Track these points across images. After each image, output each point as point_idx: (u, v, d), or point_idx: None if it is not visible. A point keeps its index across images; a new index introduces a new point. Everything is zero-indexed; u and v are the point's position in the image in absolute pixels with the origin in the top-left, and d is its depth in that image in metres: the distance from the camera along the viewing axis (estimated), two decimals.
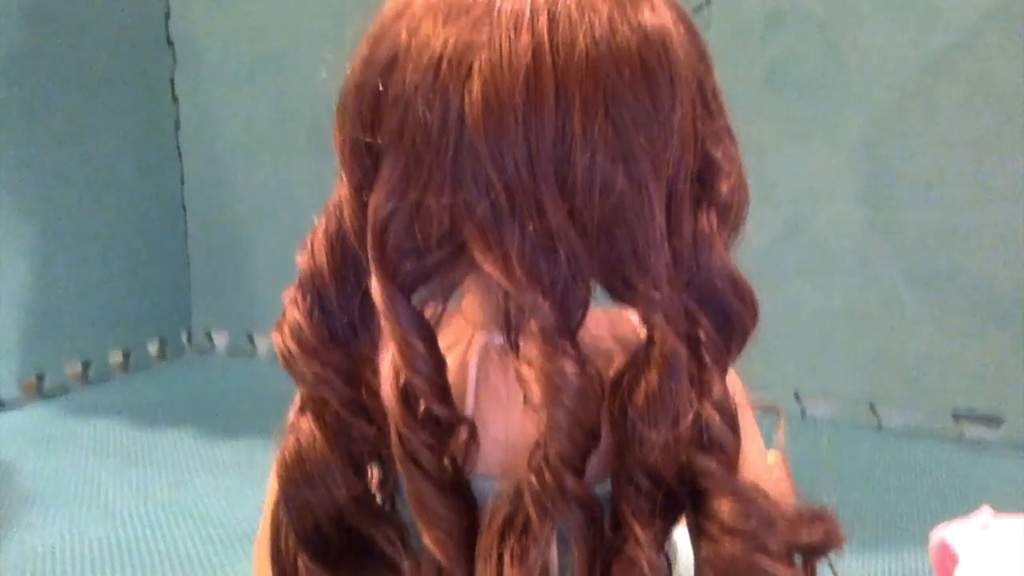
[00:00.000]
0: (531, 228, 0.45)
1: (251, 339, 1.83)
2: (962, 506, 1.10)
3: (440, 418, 0.50)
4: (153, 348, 1.83)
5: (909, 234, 1.39)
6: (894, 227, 1.39)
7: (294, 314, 0.53)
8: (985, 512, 0.89)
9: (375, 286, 0.49)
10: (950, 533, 0.87)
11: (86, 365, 1.70)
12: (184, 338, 1.89)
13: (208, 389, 1.62)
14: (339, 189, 0.51)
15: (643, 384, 0.50)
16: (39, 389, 1.60)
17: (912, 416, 1.42)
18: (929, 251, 1.38)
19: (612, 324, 0.55)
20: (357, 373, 0.52)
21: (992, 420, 1.38)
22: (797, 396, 1.47)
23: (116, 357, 1.76)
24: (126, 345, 1.77)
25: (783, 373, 1.39)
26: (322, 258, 0.52)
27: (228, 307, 1.84)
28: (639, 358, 0.51)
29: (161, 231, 1.83)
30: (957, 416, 1.40)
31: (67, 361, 1.66)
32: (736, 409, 0.53)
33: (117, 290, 1.73)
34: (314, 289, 0.52)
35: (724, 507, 0.52)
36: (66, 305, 1.65)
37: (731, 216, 0.51)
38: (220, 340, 1.89)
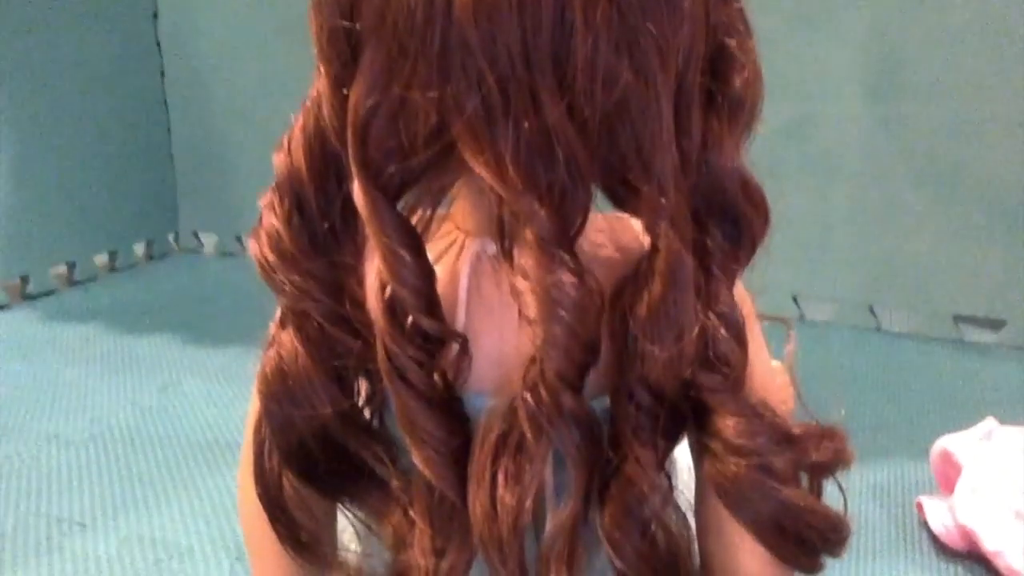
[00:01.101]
0: (526, 126, 0.41)
1: (240, 240, 1.79)
2: (962, 410, 1.09)
3: (429, 332, 0.47)
4: (140, 249, 1.80)
5: (916, 131, 1.34)
6: (901, 124, 1.35)
7: (271, 220, 0.49)
8: (989, 421, 0.87)
9: (357, 190, 0.45)
10: (952, 442, 0.85)
11: (71, 267, 1.67)
12: (172, 239, 1.85)
13: (196, 291, 1.59)
14: (317, 82, 0.47)
15: (646, 296, 0.47)
16: (23, 292, 1.57)
17: (912, 319, 1.40)
18: (936, 149, 1.34)
19: (613, 231, 0.52)
20: (340, 284, 0.49)
21: (993, 323, 1.36)
22: (795, 300, 1.45)
23: (102, 259, 1.73)
24: (112, 246, 1.74)
25: (781, 276, 1.36)
26: (300, 158, 0.48)
27: (216, 207, 1.79)
28: (642, 268, 0.47)
29: (143, 129, 1.77)
30: (958, 319, 1.38)
31: (52, 263, 1.63)
32: (743, 322, 0.50)
33: (102, 190, 1.69)
34: (292, 192, 0.48)
35: (729, 424, 0.49)
36: (50, 206, 1.61)
37: (744, 113, 0.47)
38: (208, 241, 1.85)
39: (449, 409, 0.48)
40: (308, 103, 0.48)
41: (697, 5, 0.44)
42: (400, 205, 0.46)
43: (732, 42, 0.46)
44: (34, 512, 0.87)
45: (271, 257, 0.49)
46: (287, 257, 0.48)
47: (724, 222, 0.48)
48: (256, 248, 0.49)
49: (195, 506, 0.89)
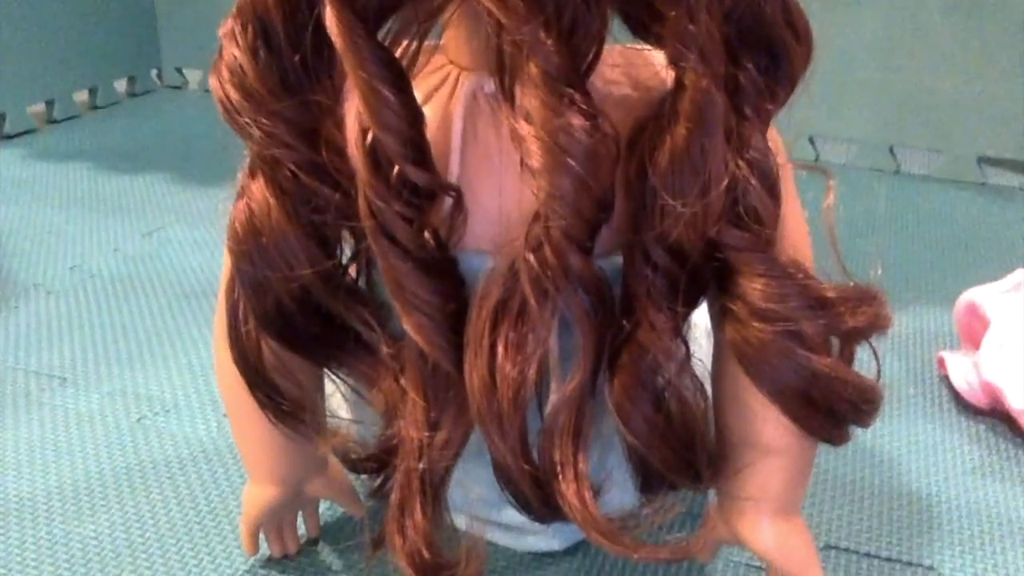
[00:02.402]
0: None
1: None
2: (987, 259, 1.05)
3: (418, 184, 0.41)
4: (121, 86, 1.71)
5: None
6: None
7: (233, 53, 0.42)
8: (1019, 272, 0.82)
9: (329, 15, 0.38)
10: (980, 295, 0.80)
11: (50, 105, 1.58)
12: (154, 75, 1.76)
13: (181, 130, 1.51)
14: None
15: (668, 141, 0.40)
16: (1, 131, 1.50)
17: (934, 161, 1.33)
18: None
19: (631, 66, 0.45)
20: (315, 127, 0.42)
21: (1019, 166, 1.29)
22: (812, 140, 1.38)
23: (82, 96, 1.64)
24: (93, 83, 1.65)
25: (796, 114, 1.28)
26: None
27: (200, 42, 1.69)
28: (664, 109, 0.41)
29: None
30: (982, 161, 1.31)
31: (30, 101, 1.55)
32: (777, 171, 0.44)
33: (80, 25, 1.59)
34: (256, 18, 0.41)
35: (756, 287, 0.44)
36: (26, 43, 1.52)
37: None
38: (193, 77, 1.76)
39: (442, 271, 0.43)
40: None
41: None
42: (382, 34, 0.40)
43: None
44: (12, 366, 0.84)
45: (235, 96, 0.42)
46: (253, 96, 0.42)
47: (760, 53, 0.42)
48: (217, 85, 0.43)
49: (181, 359, 0.85)
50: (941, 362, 0.82)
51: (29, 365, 0.84)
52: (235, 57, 0.42)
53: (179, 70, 1.75)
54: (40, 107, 1.58)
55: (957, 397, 0.78)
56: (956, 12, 1.25)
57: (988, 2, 1.24)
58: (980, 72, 1.27)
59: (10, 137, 1.49)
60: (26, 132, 1.51)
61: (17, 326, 0.91)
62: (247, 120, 0.42)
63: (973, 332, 0.80)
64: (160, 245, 1.09)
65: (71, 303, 0.95)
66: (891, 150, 1.36)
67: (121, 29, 1.68)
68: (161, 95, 1.71)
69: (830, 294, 0.45)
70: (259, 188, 0.44)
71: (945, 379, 0.81)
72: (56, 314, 0.93)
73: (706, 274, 0.44)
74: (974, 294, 0.81)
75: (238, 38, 0.42)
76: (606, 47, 0.39)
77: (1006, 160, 1.30)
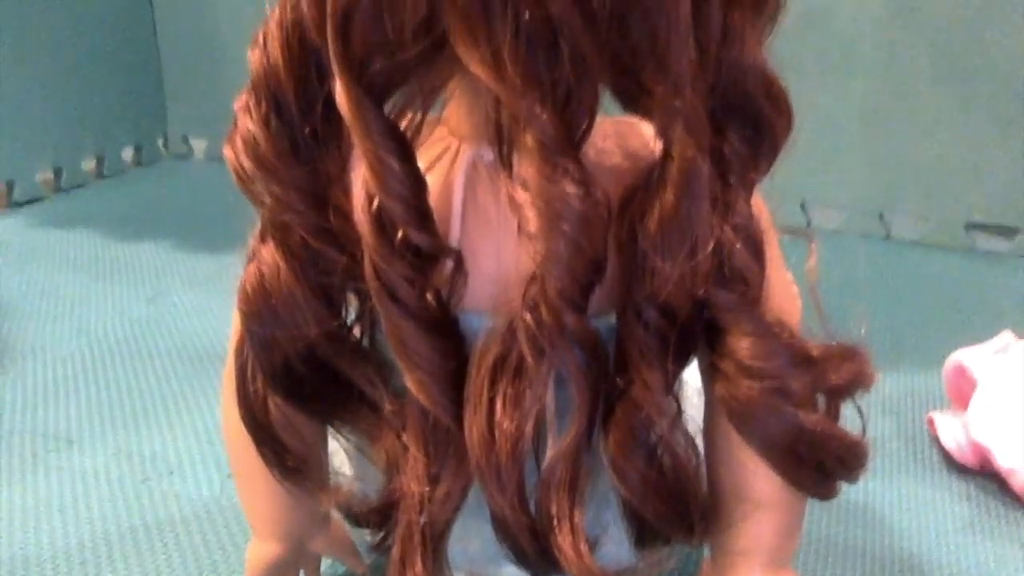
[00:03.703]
0: (527, 16, 0.37)
1: None
2: (975, 322, 1.06)
3: (421, 247, 0.43)
4: (128, 155, 1.74)
5: (937, 27, 1.28)
6: (920, 18, 1.28)
7: (247, 124, 0.45)
8: (1005, 335, 0.84)
9: (339, 90, 0.41)
10: (967, 356, 0.82)
11: (57, 173, 1.62)
12: (161, 144, 1.79)
13: (186, 198, 1.54)
14: None
15: (657, 207, 0.43)
16: (10, 198, 1.53)
17: (923, 227, 1.36)
18: (957, 46, 1.27)
19: (621, 136, 0.48)
20: (324, 194, 0.45)
21: (1006, 231, 1.32)
22: (803, 206, 1.41)
23: (89, 164, 1.68)
24: (100, 152, 1.68)
25: (789, 181, 1.31)
26: (277, 56, 0.43)
27: (206, 111, 1.73)
28: (653, 176, 0.43)
29: (130, 29, 1.70)
30: (970, 227, 1.34)
31: (38, 169, 1.58)
32: (762, 235, 0.46)
33: (88, 95, 1.63)
34: (269, 93, 0.44)
35: (744, 345, 0.46)
36: (35, 111, 1.55)
37: (768, 3, 0.42)
38: (199, 146, 1.79)
39: (443, 330, 0.45)
40: None
41: None
42: (388, 107, 0.42)
43: None
44: (19, 428, 0.85)
45: (248, 165, 0.45)
46: (266, 164, 0.44)
47: (744, 126, 0.44)
48: (231, 155, 0.45)
49: (185, 421, 0.86)
50: (931, 422, 0.83)
51: (35, 426, 0.85)
52: (249, 129, 0.44)
53: (185, 139, 1.79)
54: (48, 175, 1.61)
55: (947, 457, 0.80)
56: (942, 81, 1.29)
57: (974, 71, 1.28)
58: (967, 140, 1.31)
59: (19, 204, 1.52)
60: (34, 200, 1.54)
61: (23, 388, 0.92)
62: (260, 188, 0.45)
63: (962, 393, 0.82)
64: (164, 310, 1.11)
65: (77, 366, 0.97)
66: (881, 216, 1.39)
67: (128, 99, 1.71)
68: (167, 164, 1.75)
69: (814, 352, 0.47)
70: (270, 252, 0.46)
71: (936, 439, 0.82)
72: (62, 376, 0.95)
73: (696, 333, 0.46)
74: (962, 355, 0.83)
75: (252, 111, 0.44)
76: (598, 119, 0.41)
77: (993, 225, 1.33)
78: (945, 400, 0.86)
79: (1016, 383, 0.78)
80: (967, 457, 0.78)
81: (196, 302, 1.13)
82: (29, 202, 1.53)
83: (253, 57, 0.44)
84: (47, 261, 1.27)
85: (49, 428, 0.85)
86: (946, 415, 0.82)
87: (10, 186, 1.53)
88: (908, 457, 0.81)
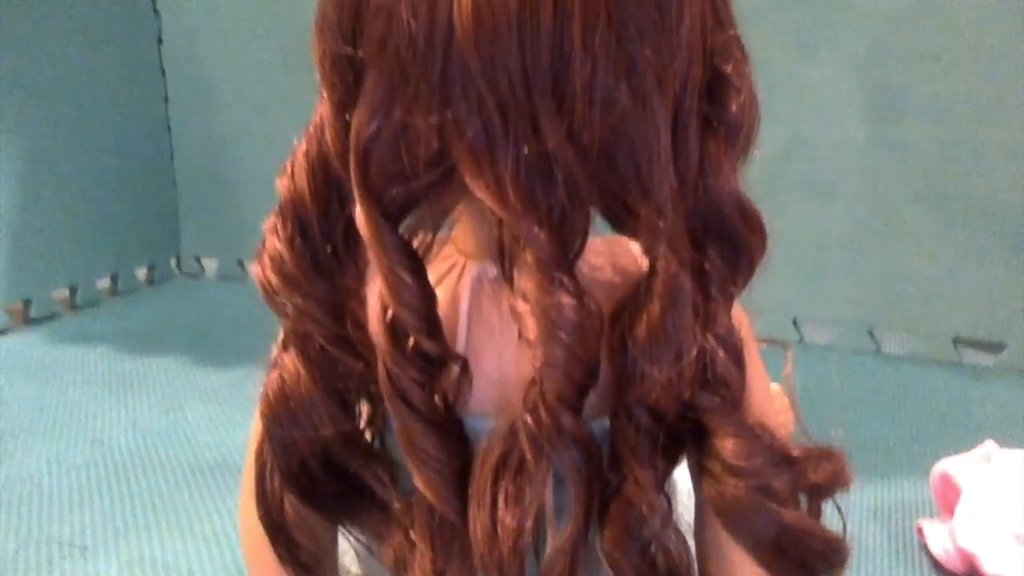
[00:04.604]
0: (526, 149, 0.42)
1: (241, 264, 1.80)
2: (962, 433, 1.09)
3: (430, 354, 0.47)
4: (142, 274, 1.80)
5: (915, 154, 1.35)
6: (900, 146, 1.35)
7: (274, 243, 0.49)
8: (988, 444, 0.87)
9: (359, 213, 0.46)
10: (952, 465, 0.85)
11: (73, 291, 1.67)
12: (173, 264, 1.85)
13: (198, 315, 1.59)
14: (320, 107, 0.48)
15: (644, 317, 0.47)
16: (25, 315, 1.58)
17: (912, 342, 1.40)
18: (935, 172, 1.34)
19: (612, 253, 0.52)
20: (342, 306, 0.49)
21: (993, 346, 1.36)
22: (795, 323, 1.45)
23: (104, 283, 1.73)
24: (114, 270, 1.74)
25: (781, 299, 1.36)
26: (303, 183, 0.48)
27: (218, 232, 1.80)
28: (640, 290, 0.48)
29: (147, 153, 1.78)
30: (957, 342, 1.38)
31: (54, 287, 1.63)
32: (742, 344, 0.50)
33: (104, 214, 1.70)
34: (295, 216, 0.49)
35: (728, 446, 0.49)
36: (52, 230, 1.61)
37: (740, 137, 0.48)
38: (210, 266, 1.85)
39: (450, 430, 0.48)
40: (311, 128, 0.48)
41: (694, 31, 0.44)
42: (401, 228, 0.47)
43: (728, 67, 0.47)
44: (35, 535, 0.87)
45: (274, 280, 0.49)
46: (290, 280, 0.49)
47: (722, 245, 0.49)
48: (259, 271, 0.50)
49: (197, 530, 0.89)
50: (920, 530, 0.85)
51: (51, 535, 0.88)
52: (276, 248, 0.49)
53: (197, 259, 1.85)
54: (64, 293, 1.66)
55: (936, 564, 0.82)
56: (922, 202, 1.35)
57: (952, 193, 1.34)
58: (950, 258, 1.36)
59: (36, 321, 1.56)
60: (50, 317, 1.59)
61: (40, 497, 0.95)
62: (284, 301, 0.49)
63: (948, 500, 0.85)
64: (176, 422, 1.15)
65: (91, 475, 1.00)
66: (871, 332, 1.43)
67: (142, 220, 1.78)
68: (179, 283, 1.80)
69: (794, 452, 0.50)
70: (291, 359, 0.50)
71: (925, 547, 0.84)
72: (77, 486, 0.97)
73: (683, 434, 0.50)
74: (947, 464, 0.86)
75: (279, 232, 0.49)
76: (590, 238, 0.46)
77: (978, 341, 1.37)
78: (934, 508, 0.88)
79: (1000, 491, 0.81)
80: (954, 563, 0.80)
81: (207, 414, 1.17)
82: (46, 319, 1.58)
83: (281, 184, 0.49)
84: (63, 376, 1.31)
85: (64, 536, 0.88)
86: (934, 522, 0.85)
87: (27, 304, 1.58)
88: (898, 563, 0.83)
